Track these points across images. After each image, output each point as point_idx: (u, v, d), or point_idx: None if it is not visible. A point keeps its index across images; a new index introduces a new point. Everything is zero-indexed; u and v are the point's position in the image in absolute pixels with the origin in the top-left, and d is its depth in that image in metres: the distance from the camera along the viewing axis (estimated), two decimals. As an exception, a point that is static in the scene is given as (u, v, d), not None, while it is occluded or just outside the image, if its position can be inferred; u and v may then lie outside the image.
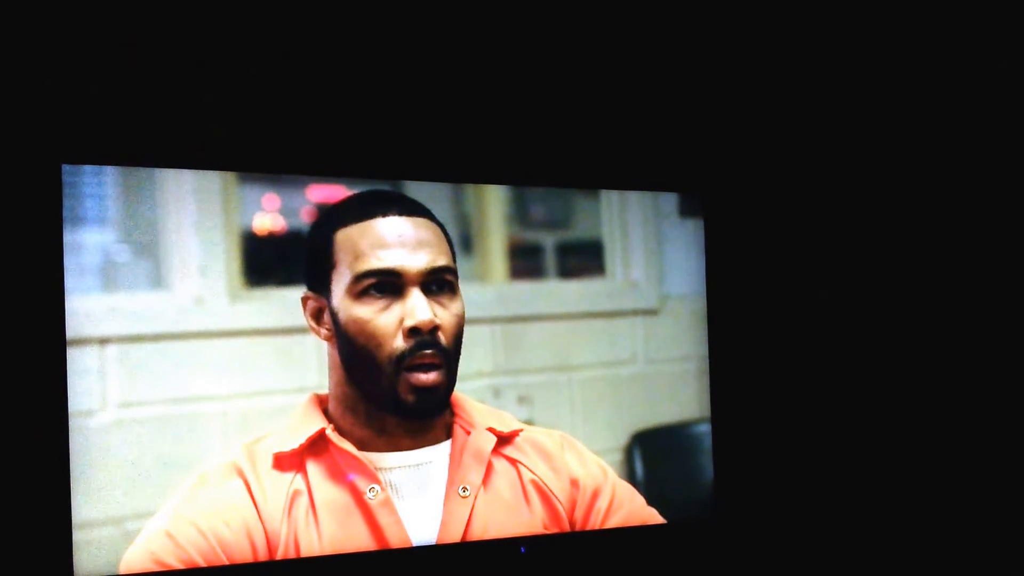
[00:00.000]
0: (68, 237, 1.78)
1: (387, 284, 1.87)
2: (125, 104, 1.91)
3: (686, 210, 2.32)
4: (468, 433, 1.97)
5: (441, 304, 1.91)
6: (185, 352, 1.85)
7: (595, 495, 2.06)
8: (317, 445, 1.87)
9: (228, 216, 1.90)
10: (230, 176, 1.91)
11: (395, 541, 1.89)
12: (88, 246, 1.80)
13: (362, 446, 1.89)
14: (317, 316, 1.89)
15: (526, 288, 2.15)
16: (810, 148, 2.51)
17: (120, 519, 1.78)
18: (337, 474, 1.87)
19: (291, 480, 1.85)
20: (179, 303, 1.85)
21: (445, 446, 1.96)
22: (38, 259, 1.79)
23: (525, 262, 2.17)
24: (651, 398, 2.25)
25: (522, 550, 2.04)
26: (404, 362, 1.87)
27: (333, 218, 1.92)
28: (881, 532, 2.45)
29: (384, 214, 1.90)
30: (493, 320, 2.10)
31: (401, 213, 1.92)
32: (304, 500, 1.85)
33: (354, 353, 1.87)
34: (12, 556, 1.77)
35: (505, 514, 1.99)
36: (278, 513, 1.83)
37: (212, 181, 1.89)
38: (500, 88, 2.23)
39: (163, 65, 1.94)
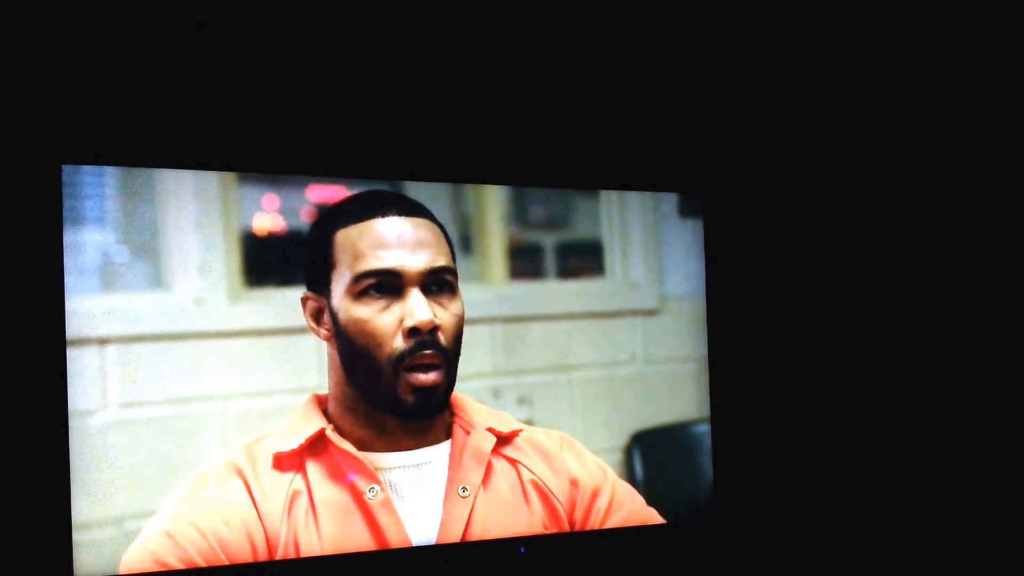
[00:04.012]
0: (68, 237, 1.78)
1: (387, 284, 1.87)
2: (125, 104, 1.91)
3: (686, 211, 2.32)
4: (468, 433, 1.97)
5: (441, 304, 1.91)
6: (185, 352, 1.85)
7: (595, 495, 2.06)
8: (317, 445, 1.87)
9: (228, 216, 1.90)
10: (230, 176, 1.91)
11: (395, 541, 1.90)
12: (88, 246, 1.80)
13: (362, 446, 1.89)
14: (317, 316, 1.89)
15: (526, 288, 2.15)
16: (809, 149, 2.51)
17: (120, 519, 1.78)
18: (337, 474, 1.87)
19: (291, 480, 1.85)
20: (179, 303, 1.85)
21: (445, 446, 1.96)
22: (38, 259, 1.79)
23: (525, 262, 2.17)
24: (650, 398, 2.25)
25: (521, 550, 2.04)
26: (404, 362, 1.87)
27: (333, 218, 1.92)
28: (880, 531, 2.45)
29: (384, 214, 1.90)
30: (493, 320, 2.10)
31: (401, 213, 1.92)
32: (304, 500, 1.85)
33: (354, 353, 1.87)
34: (12, 556, 1.77)
35: (505, 514, 1.99)
36: (278, 513, 1.83)
37: (212, 181, 1.89)
38: (499, 88, 2.23)
39: (163, 65, 1.94)
